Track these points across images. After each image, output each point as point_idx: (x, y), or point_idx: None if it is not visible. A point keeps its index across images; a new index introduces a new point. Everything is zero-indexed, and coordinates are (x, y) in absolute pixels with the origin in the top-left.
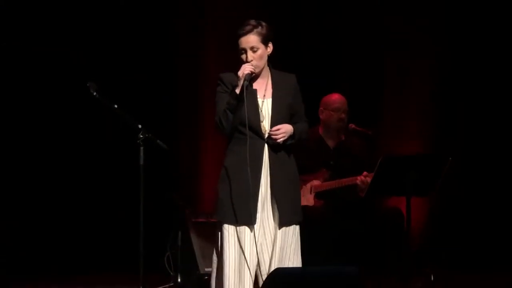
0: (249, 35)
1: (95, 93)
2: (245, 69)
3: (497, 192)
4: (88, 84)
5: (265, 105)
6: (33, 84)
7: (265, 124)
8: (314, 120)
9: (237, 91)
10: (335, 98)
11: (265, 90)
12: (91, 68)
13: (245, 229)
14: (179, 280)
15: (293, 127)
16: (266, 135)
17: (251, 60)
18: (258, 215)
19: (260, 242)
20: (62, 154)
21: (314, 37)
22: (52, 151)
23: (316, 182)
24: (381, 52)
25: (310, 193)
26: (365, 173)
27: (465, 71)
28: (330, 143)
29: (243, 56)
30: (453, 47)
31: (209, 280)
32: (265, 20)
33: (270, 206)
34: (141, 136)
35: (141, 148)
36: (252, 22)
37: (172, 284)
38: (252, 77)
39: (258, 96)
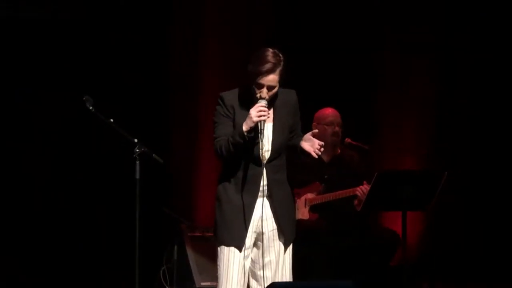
0: (272, 75)
1: (91, 107)
2: (259, 116)
3: (494, 206)
4: (84, 98)
5: (266, 129)
6: (28, 95)
7: (266, 146)
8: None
9: (245, 128)
10: (329, 112)
11: (268, 113)
12: (86, 79)
13: (235, 251)
14: None
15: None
16: (265, 161)
17: (265, 97)
18: (265, 235)
19: (265, 261)
20: (58, 167)
21: (310, 37)
22: (49, 164)
23: (310, 195)
24: (373, 65)
25: (305, 206)
26: (365, 182)
27: (463, 84)
28: (325, 157)
29: (258, 91)
30: (451, 56)
31: None
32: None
33: (273, 225)
34: (137, 150)
35: (137, 162)
36: (272, 58)
37: None
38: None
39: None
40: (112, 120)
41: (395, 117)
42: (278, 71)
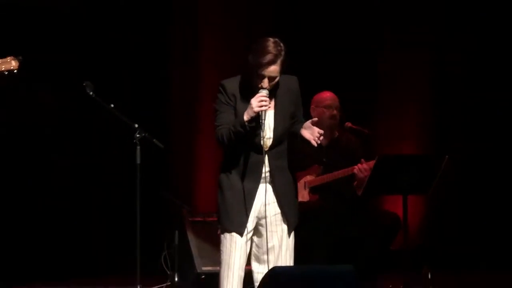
0: (274, 66)
1: (91, 93)
2: (261, 106)
3: (494, 191)
4: (84, 84)
5: (268, 117)
6: (29, 83)
7: (268, 134)
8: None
9: (246, 118)
10: (327, 96)
11: (270, 103)
12: (86, 67)
13: (237, 237)
14: (176, 279)
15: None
16: (267, 149)
17: (267, 87)
18: (268, 219)
19: (269, 246)
20: (58, 154)
21: (310, 37)
22: (47, 151)
23: (309, 177)
24: (375, 52)
25: (304, 188)
26: (363, 160)
27: (462, 70)
28: (323, 141)
29: (259, 81)
30: (450, 45)
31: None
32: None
33: (275, 210)
34: (137, 135)
35: (138, 147)
36: (274, 49)
37: (169, 283)
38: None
39: None
40: (112, 105)
41: (395, 104)
42: (279, 61)
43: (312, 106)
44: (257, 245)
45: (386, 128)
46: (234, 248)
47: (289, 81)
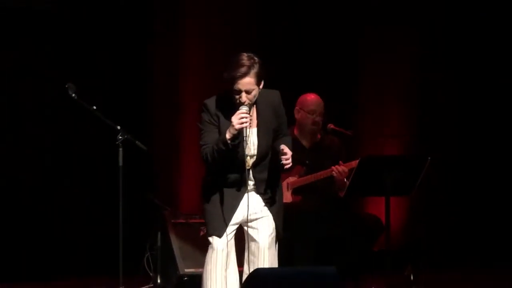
0: (246, 78)
1: (73, 95)
2: (241, 123)
3: (477, 191)
4: (66, 86)
5: (251, 135)
6: (13, 84)
7: (252, 151)
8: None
9: (228, 136)
10: (311, 100)
11: (251, 119)
12: (66, 66)
13: (218, 239)
14: (158, 281)
15: (285, 146)
16: (249, 167)
17: (245, 101)
18: (255, 223)
19: (254, 247)
20: (41, 155)
21: (290, 33)
22: (30, 152)
23: (292, 179)
24: (357, 50)
25: (287, 190)
26: (340, 162)
27: (445, 68)
28: (305, 143)
29: (237, 96)
30: (433, 43)
31: None
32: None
33: (263, 214)
34: (120, 137)
35: (120, 149)
36: (247, 61)
37: (152, 285)
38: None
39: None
40: (94, 107)
41: (378, 103)
42: (253, 73)
43: (296, 107)
44: (248, 248)
45: (368, 129)
46: (216, 252)
47: (270, 96)
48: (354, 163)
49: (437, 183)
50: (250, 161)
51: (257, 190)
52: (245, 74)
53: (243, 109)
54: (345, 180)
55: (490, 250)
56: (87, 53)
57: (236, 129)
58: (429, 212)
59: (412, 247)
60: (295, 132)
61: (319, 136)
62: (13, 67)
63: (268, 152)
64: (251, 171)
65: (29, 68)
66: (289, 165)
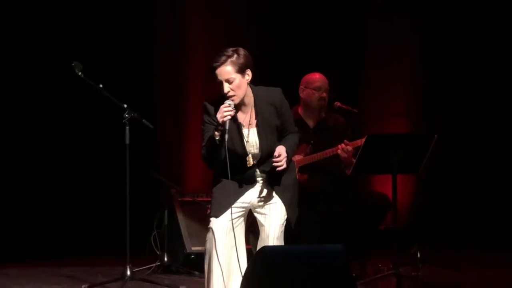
0: (223, 67)
1: (80, 73)
2: (224, 116)
3: (483, 169)
4: (73, 64)
5: (252, 134)
6: (19, 64)
7: (254, 150)
8: (294, 99)
9: (217, 134)
10: (317, 77)
11: (250, 118)
12: (73, 46)
13: (215, 220)
14: (165, 259)
15: (285, 146)
16: (252, 164)
17: (228, 92)
18: (264, 208)
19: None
20: (48, 134)
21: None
22: (35, 132)
23: (297, 157)
24: (363, 26)
25: None
26: (345, 141)
27: (450, 48)
28: (310, 123)
29: (220, 89)
30: (437, 25)
31: None
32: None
33: (272, 200)
34: (126, 115)
35: (127, 127)
36: (227, 52)
37: (159, 263)
38: (234, 105)
39: (243, 126)
40: (101, 85)
41: (383, 81)
42: (230, 61)
43: (301, 87)
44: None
45: (375, 107)
46: (210, 231)
47: (270, 95)
48: (360, 142)
49: (444, 160)
50: (251, 160)
51: (268, 183)
52: (222, 63)
53: (226, 102)
54: (352, 158)
55: (498, 227)
56: (91, 31)
57: (219, 123)
58: (436, 190)
59: (419, 225)
60: (300, 111)
61: (323, 114)
62: (16, 45)
63: (274, 149)
64: (257, 169)
65: (32, 46)
66: (282, 167)
